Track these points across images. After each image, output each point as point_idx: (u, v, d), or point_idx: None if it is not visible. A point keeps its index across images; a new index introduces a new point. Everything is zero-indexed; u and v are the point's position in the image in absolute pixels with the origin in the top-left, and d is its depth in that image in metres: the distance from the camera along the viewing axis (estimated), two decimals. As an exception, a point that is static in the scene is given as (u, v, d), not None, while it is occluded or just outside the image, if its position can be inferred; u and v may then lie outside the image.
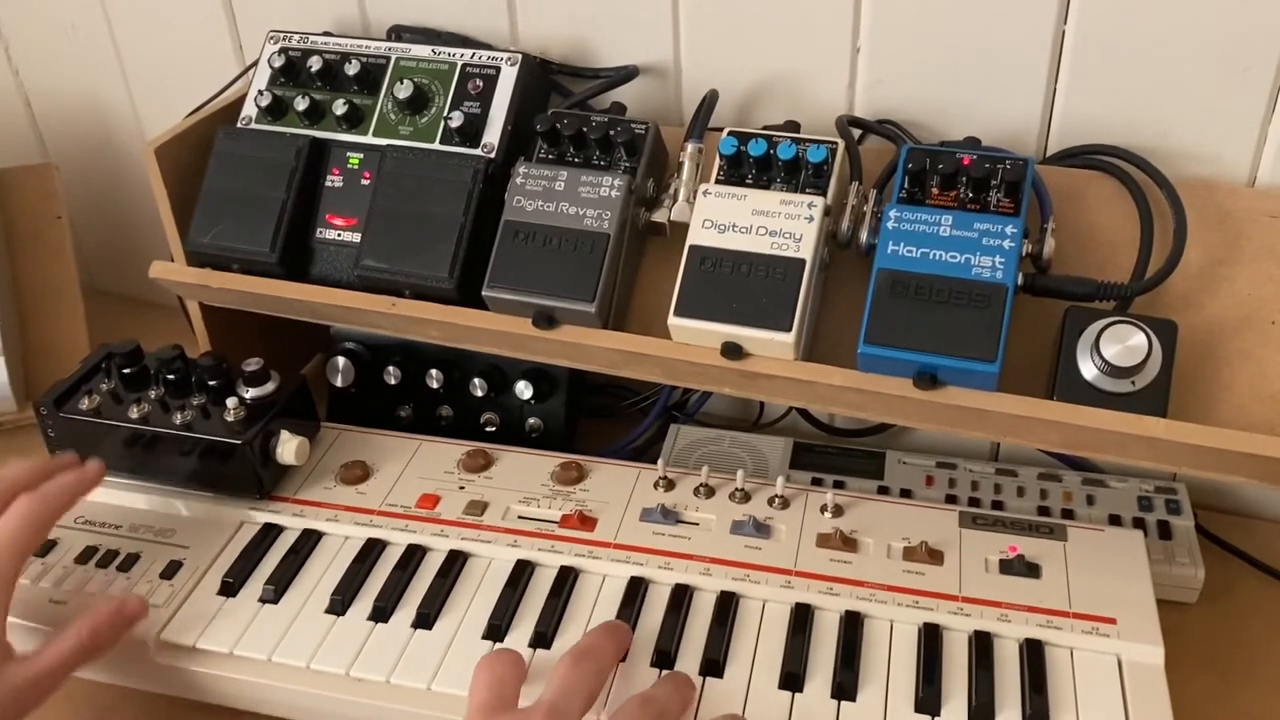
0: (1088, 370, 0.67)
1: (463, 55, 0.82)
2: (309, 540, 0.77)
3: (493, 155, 0.79)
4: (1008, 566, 0.73)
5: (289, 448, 0.78)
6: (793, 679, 0.67)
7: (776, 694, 0.66)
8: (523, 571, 0.74)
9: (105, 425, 0.78)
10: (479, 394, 0.89)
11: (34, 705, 0.64)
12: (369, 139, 0.82)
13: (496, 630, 0.70)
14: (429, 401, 0.92)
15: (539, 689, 0.62)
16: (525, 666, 0.64)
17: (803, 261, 0.69)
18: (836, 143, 0.73)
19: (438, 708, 0.67)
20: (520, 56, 0.81)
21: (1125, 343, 0.65)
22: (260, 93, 0.84)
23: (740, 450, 0.91)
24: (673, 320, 0.71)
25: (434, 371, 0.89)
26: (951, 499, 0.84)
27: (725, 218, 0.72)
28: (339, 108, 0.81)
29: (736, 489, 0.79)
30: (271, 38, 0.86)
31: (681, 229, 0.73)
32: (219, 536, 0.77)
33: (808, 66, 0.82)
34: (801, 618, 0.70)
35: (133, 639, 0.70)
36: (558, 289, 0.73)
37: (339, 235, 0.81)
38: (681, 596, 0.72)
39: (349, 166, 0.82)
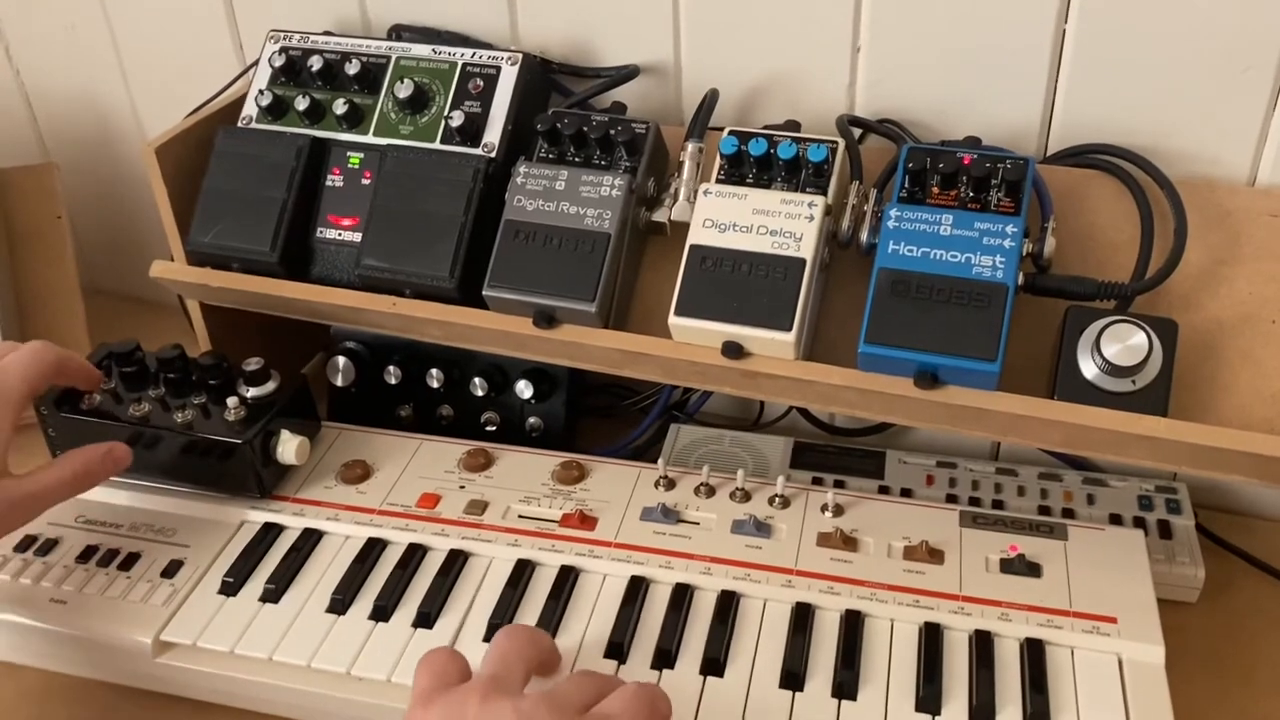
0: (1088, 369, 0.67)
1: (463, 55, 0.82)
2: (309, 539, 0.77)
3: (493, 155, 0.79)
4: (1008, 566, 0.73)
5: (289, 447, 0.78)
6: (793, 678, 0.67)
7: (777, 693, 0.66)
8: (523, 571, 0.74)
9: (105, 425, 0.78)
10: (479, 393, 0.89)
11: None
12: (369, 138, 0.82)
13: (497, 629, 0.70)
14: (429, 401, 0.92)
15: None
16: (465, 662, 0.63)
17: (803, 261, 0.69)
18: (837, 142, 0.73)
19: (438, 707, 0.67)
20: (521, 56, 0.81)
21: (1126, 342, 0.65)
22: (261, 92, 0.84)
23: (740, 450, 0.91)
24: (673, 319, 0.71)
25: (434, 371, 0.89)
26: (952, 498, 0.84)
27: (726, 217, 0.72)
28: (339, 107, 0.81)
29: (737, 488, 0.79)
30: (272, 37, 0.86)
31: (682, 228, 0.73)
32: (219, 536, 0.77)
33: (808, 66, 0.82)
34: (802, 617, 0.70)
35: (133, 639, 0.71)
36: (558, 288, 0.73)
37: (339, 235, 0.81)
38: (682, 596, 0.72)
39: (349, 166, 0.82)
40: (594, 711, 0.58)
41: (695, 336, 0.71)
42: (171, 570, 0.75)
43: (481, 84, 0.81)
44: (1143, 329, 0.66)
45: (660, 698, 0.60)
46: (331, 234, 0.82)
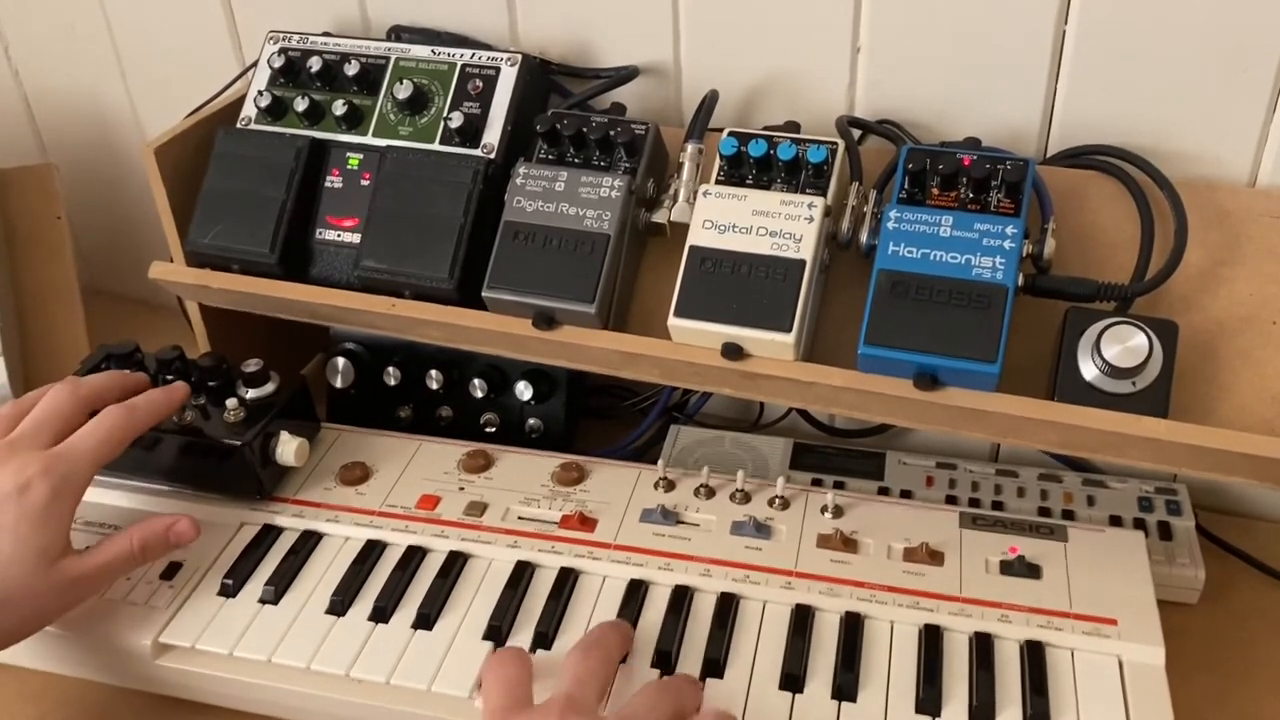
0: (1088, 371, 0.67)
1: (462, 55, 0.82)
2: (309, 541, 0.77)
3: (492, 156, 0.79)
4: (1008, 567, 0.72)
5: (289, 449, 0.78)
6: (793, 680, 0.67)
7: (777, 695, 0.66)
8: (523, 572, 0.74)
9: (105, 426, 0.77)
10: (479, 394, 0.89)
11: (84, 598, 0.70)
12: (369, 139, 0.82)
13: (496, 631, 0.70)
14: (429, 402, 0.91)
15: (544, 686, 0.62)
16: (530, 661, 0.65)
17: (803, 262, 0.69)
18: (836, 143, 0.73)
19: (438, 709, 0.67)
20: (520, 57, 0.81)
21: (1126, 343, 0.65)
22: (260, 93, 0.83)
23: (740, 451, 0.91)
24: (673, 321, 0.71)
25: (434, 372, 0.89)
26: (952, 500, 0.84)
27: (725, 218, 0.72)
28: (339, 108, 0.81)
29: (737, 490, 0.78)
30: (271, 38, 0.86)
31: (682, 229, 0.73)
32: (219, 537, 0.77)
33: (808, 66, 0.82)
34: (802, 618, 0.70)
35: (133, 640, 0.71)
36: (558, 290, 0.73)
37: (339, 236, 0.81)
38: (682, 597, 0.72)
39: (349, 167, 0.82)
40: None
41: (695, 338, 0.71)
42: (170, 572, 0.75)
43: (481, 85, 0.81)
44: (1143, 330, 0.65)
45: None
46: (331, 235, 0.81)
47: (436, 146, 0.80)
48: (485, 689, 0.62)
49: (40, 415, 0.70)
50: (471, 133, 0.80)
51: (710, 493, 0.79)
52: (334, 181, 0.82)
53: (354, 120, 0.82)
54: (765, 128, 0.75)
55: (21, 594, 0.65)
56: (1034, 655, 0.67)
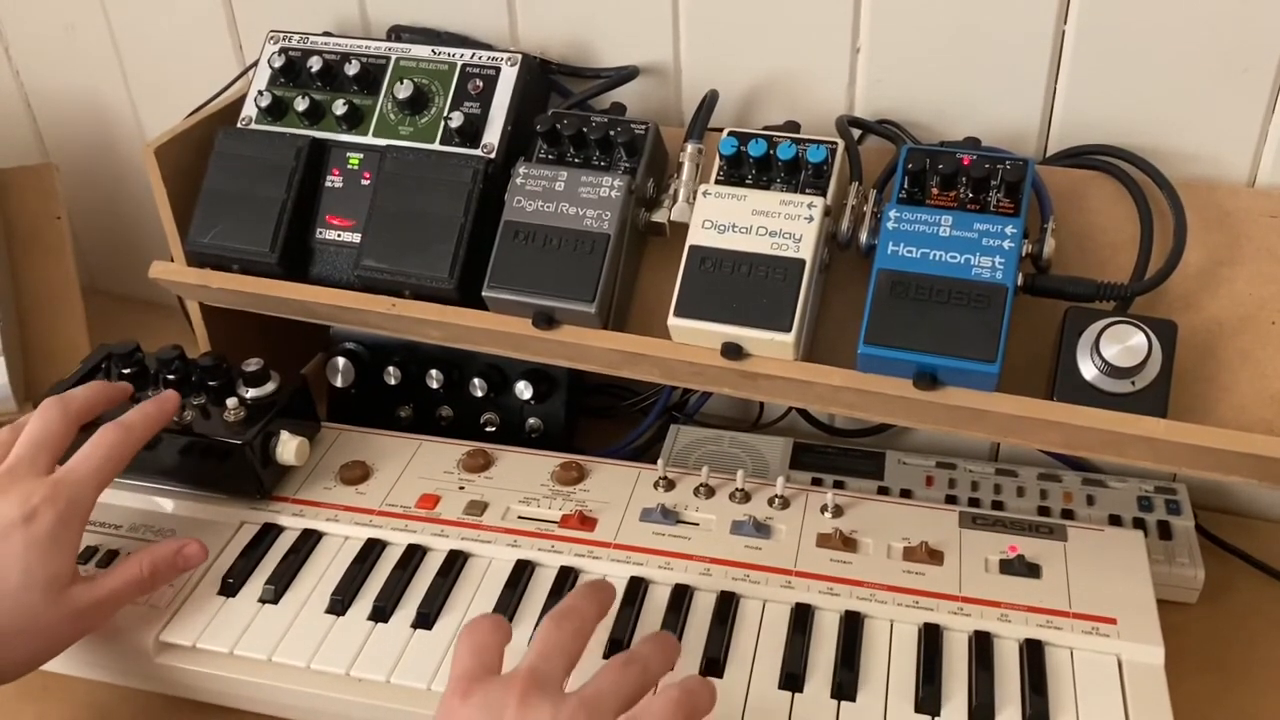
0: (1087, 370, 0.67)
1: (462, 55, 0.82)
2: (309, 540, 0.77)
3: (493, 155, 0.79)
4: (1008, 566, 0.73)
5: (289, 448, 0.78)
6: (793, 679, 0.67)
7: (776, 694, 0.66)
8: (523, 571, 0.74)
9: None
10: (479, 394, 0.89)
11: (93, 627, 0.69)
12: (369, 139, 0.82)
13: (496, 630, 0.70)
14: (429, 402, 0.92)
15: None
16: (508, 629, 0.63)
17: (802, 262, 0.69)
18: (836, 143, 0.73)
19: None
20: (520, 57, 0.81)
21: (1125, 343, 0.65)
22: (260, 93, 0.83)
23: (740, 450, 0.91)
24: (672, 320, 0.71)
25: (434, 372, 0.89)
26: (951, 499, 0.84)
27: (725, 218, 0.72)
28: (339, 108, 0.81)
29: (736, 489, 0.79)
30: (271, 38, 0.86)
31: (681, 229, 0.73)
32: (219, 536, 0.77)
33: (808, 66, 0.82)
34: (801, 618, 0.70)
35: (133, 639, 0.71)
36: (558, 289, 0.73)
37: (339, 235, 0.81)
38: (681, 596, 0.72)
39: (349, 167, 0.82)
40: (632, 714, 0.57)
41: (695, 337, 0.71)
42: (171, 571, 0.75)
43: (481, 85, 0.81)
44: (1142, 330, 0.66)
45: (701, 694, 0.59)
46: (331, 235, 0.82)
47: (437, 146, 0.80)
48: (456, 653, 0.61)
49: (34, 438, 0.69)
50: (471, 132, 0.80)
51: (710, 492, 0.79)
52: (334, 181, 0.82)
53: (354, 120, 0.82)
54: (765, 127, 0.75)
55: (33, 625, 0.65)
56: (1033, 654, 0.67)
